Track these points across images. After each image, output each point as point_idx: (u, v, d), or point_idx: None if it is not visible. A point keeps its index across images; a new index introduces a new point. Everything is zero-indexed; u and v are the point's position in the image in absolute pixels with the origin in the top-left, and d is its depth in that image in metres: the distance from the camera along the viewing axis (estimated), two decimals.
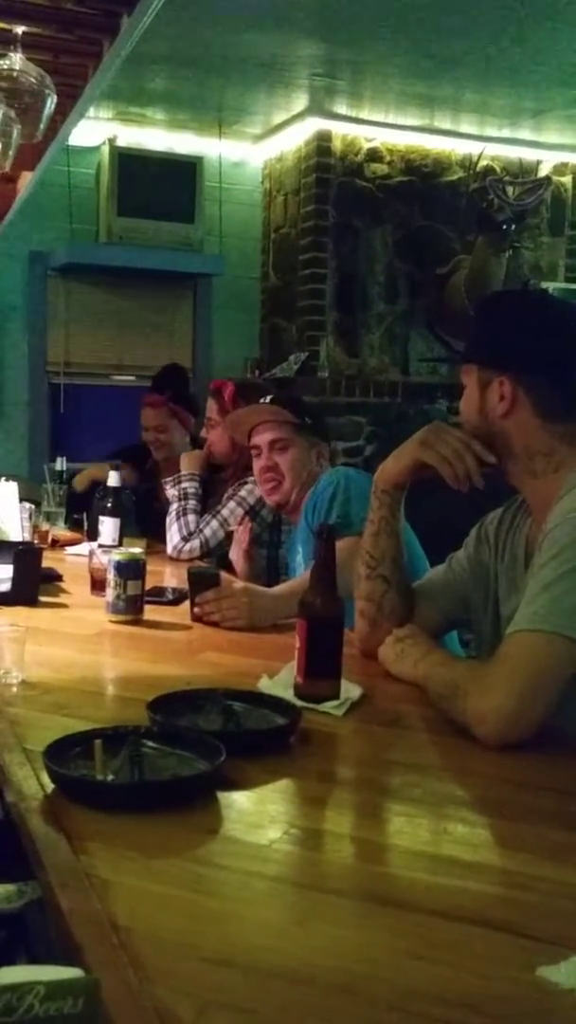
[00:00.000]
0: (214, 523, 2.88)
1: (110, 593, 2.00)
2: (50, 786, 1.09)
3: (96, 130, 5.00)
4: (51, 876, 0.90)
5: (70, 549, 2.94)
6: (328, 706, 1.41)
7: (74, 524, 3.20)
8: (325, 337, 5.04)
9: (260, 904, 0.88)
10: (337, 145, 4.99)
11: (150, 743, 1.18)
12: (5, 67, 2.25)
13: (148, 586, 2.08)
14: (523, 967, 0.78)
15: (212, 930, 0.83)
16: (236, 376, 4.49)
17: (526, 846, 1.02)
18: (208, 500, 3.00)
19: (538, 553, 1.38)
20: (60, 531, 3.13)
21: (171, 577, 2.58)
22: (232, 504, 2.87)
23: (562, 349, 1.45)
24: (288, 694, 1.43)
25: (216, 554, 2.89)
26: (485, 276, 4.89)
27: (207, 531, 2.87)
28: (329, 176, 4.98)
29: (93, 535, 2.76)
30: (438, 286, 5.17)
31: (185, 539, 2.87)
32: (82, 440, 4.93)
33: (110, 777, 1.10)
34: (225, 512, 2.86)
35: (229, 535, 2.85)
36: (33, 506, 2.91)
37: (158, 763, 1.14)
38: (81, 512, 3.20)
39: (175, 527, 2.91)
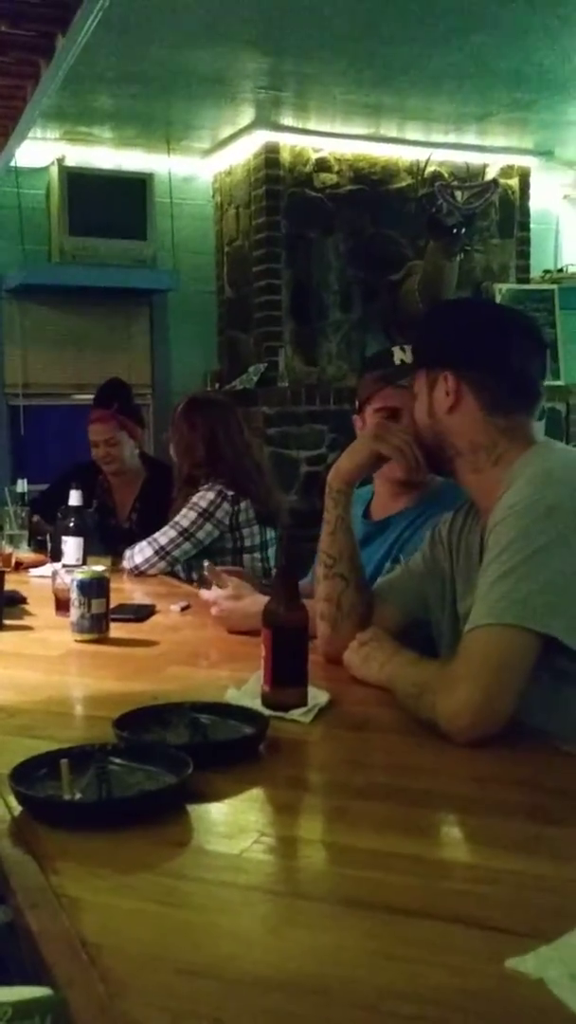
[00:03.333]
0: (171, 532, 2.88)
1: (74, 613, 2.00)
2: (17, 808, 1.08)
3: (44, 150, 5.00)
4: (20, 898, 0.89)
5: (34, 571, 2.92)
6: (296, 713, 1.41)
7: (38, 546, 3.19)
8: (283, 347, 5.05)
9: (231, 913, 0.88)
10: (285, 156, 5.02)
11: (117, 760, 1.17)
12: None
13: (113, 604, 2.08)
14: (494, 960, 0.79)
15: (183, 942, 0.83)
16: (197, 390, 4.49)
17: (496, 840, 1.03)
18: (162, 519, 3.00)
19: (486, 549, 1.40)
20: (23, 553, 3.11)
21: (136, 594, 2.57)
22: (185, 511, 2.87)
23: (501, 343, 1.49)
24: (256, 703, 1.43)
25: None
26: (438, 280, 4.94)
27: (162, 539, 2.87)
28: (279, 188, 5.01)
29: (57, 556, 2.75)
30: (392, 292, 5.21)
31: (141, 554, 2.88)
32: (44, 461, 4.90)
33: (77, 796, 1.10)
34: (184, 522, 2.87)
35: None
36: None
37: (125, 779, 1.14)
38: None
39: (140, 545, 2.91)
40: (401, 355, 2.03)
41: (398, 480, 2.00)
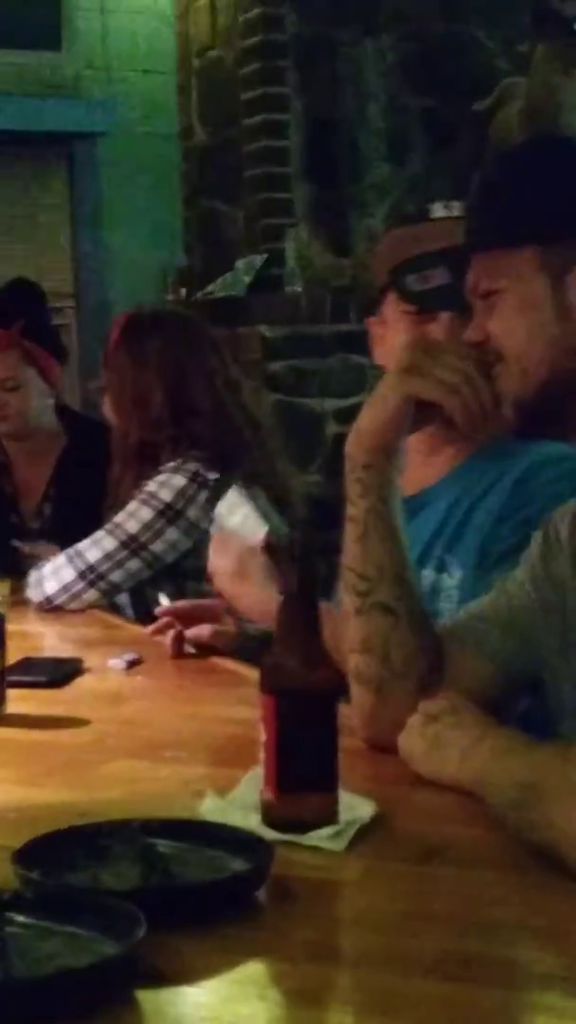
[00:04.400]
0: (108, 541, 2.90)
1: None
2: None
3: None
4: None
5: None
6: (320, 836, 1.42)
7: None
8: (294, 227, 5.06)
9: None
10: None
11: (21, 917, 1.18)
12: None
13: (12, 658, 2.11)
14: None
15: None
16: (148, 302, 4.50)
17: None
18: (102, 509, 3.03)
19: None
20: None
21: (50, 640, 2.64)
22: (133, 505, 2.88)
23: None
24: (252, 821, 1.44)
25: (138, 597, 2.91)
26: (552, 106, 4.94)
27: (91, 554, 2.89)
28: None
29: None
30: (477, 130, 5.21)
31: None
32: None
33: None
34: (131, 524, 2.88)
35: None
36: None
37: (36, 948, 1.15)
38: None
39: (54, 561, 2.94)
40: (446, 212, 2.06)
41: (440, 436, 2.00)
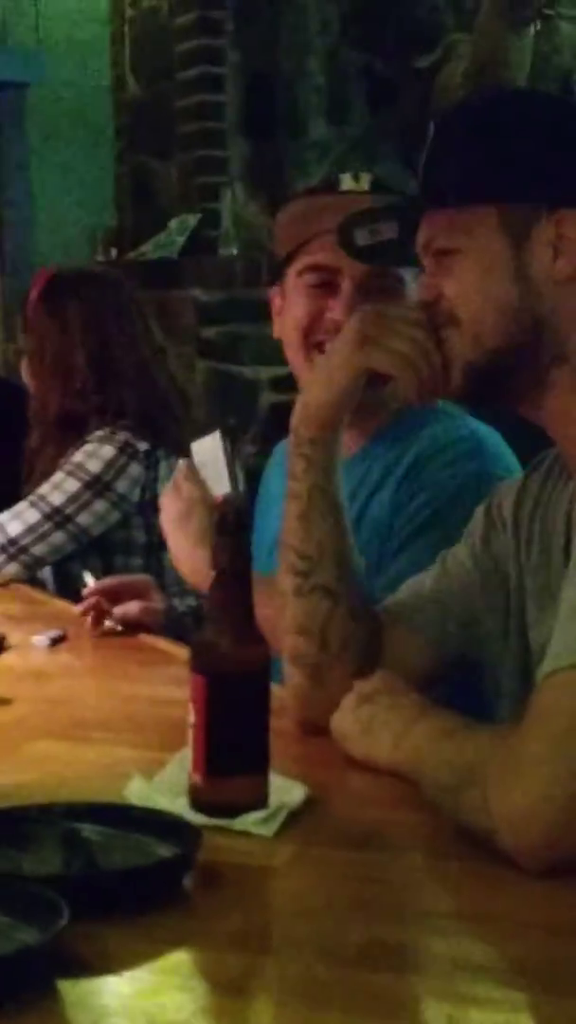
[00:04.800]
0: (31, 513, 2.87)
1: None
2: None
3: None
4: None
5: None
6: (249, 821, 1.41)
7: None
8: (229, 185, 5.04)
9: None
10: None
11: None
12: None
13: None
14: None
15: None
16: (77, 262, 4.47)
17: None
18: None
19: None
20: None
21: None
22: (59, 476, 2.85)
23: None
24: (179, 804, 1.43)
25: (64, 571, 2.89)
26: (498, 66, 4.95)
27: (13, 527, 2.87)
28: None
29: None
30: (420, 87, 5.20)
31: None
32: None
33: None
34: (56, 496, 2.85)
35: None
36: None
37: None
38: None
39: None
40: (353, 183, 2.07)
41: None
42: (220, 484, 2.25)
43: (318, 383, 1.72)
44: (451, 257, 1.57)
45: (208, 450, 2.34)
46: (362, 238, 1.74)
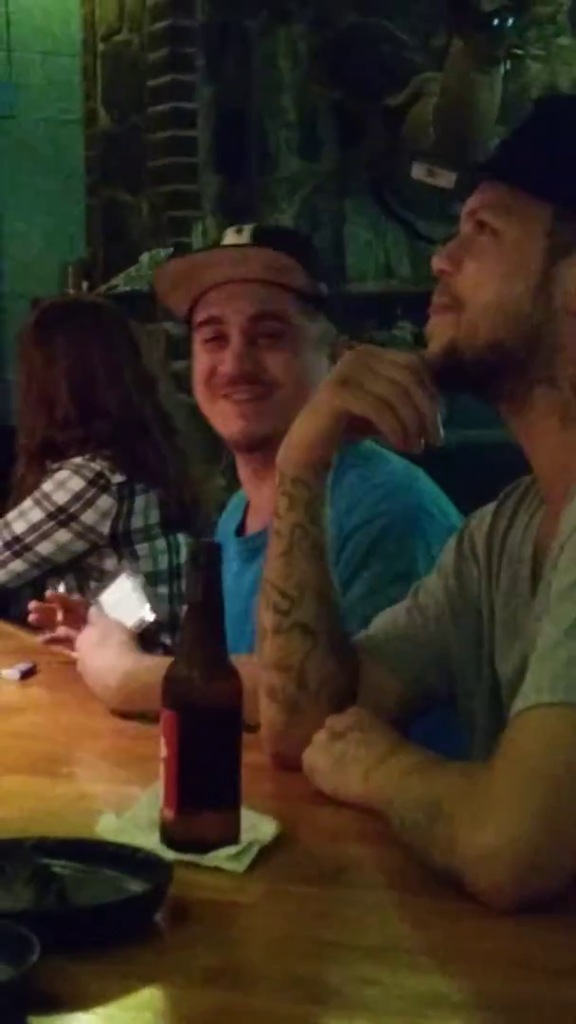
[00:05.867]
0: None
1: None
2: None
3: None
4: None
5: None
6: (220, 856, 1.41)
7: None
8: (200, 220, 5.05)
9: None
10: None
11: None
12: None
13: None
14: None
15: None
16: (50, 295, 4.47)
17: None
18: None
19: (553, 572, 1.41)
20: None
21: None
22: (27, 504, 2.86)
23: None
24: (150, 840, 1.43)
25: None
26: (467, 104, 4.96)
27: None
28: None
29: None
30: (390, 125, 5.23)
31: None
32: None
33: None
34: (19, 525, 2.87)
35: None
36: None
37: None
38: None
39: None
40: (236, 237, 2.13)
41: None
42: (135, 615, 2.27)
43: (302, 422, 1.70)
44: (487, 236, 1.54)
45: (117, 592, 2.37)
46: (418, 172, 1.71)
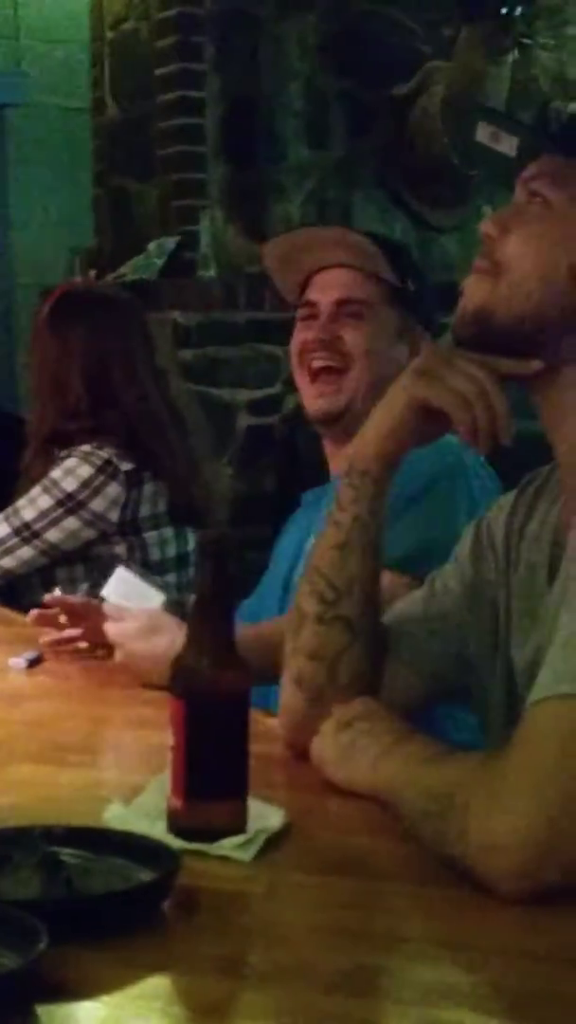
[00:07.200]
0: (1, 528, 2.89)
1: None
2: None
3: None
4: None
5: None
6: (228, 845, 1.41)
7: None
8: (208, 208, 5.04)
9: None
10: None
11: None
12: None
13: None
14: None
15: None
16: (57, 283, 4.47)
17: None
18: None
19: (570, 562, 1.42)
20: None
21: None
22: (35, 491, 2.85)
23: None
24: (158, 829, 1.43)
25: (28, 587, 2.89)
26: (476, 94, 4.96)
27: None
28: None
29: None
30: (397, 115, 5.22)
31: None
32: None
33: None
34: (28, 512, 2.86)
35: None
36: None
37: None
38: None
39: None
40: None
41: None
42: (152, 601, 2.28)
43: (377, 414, 1.69)
44: (537, 205, 1.54)
45: (120, 584, 2.38)
46: (482, 134, 1.69)
